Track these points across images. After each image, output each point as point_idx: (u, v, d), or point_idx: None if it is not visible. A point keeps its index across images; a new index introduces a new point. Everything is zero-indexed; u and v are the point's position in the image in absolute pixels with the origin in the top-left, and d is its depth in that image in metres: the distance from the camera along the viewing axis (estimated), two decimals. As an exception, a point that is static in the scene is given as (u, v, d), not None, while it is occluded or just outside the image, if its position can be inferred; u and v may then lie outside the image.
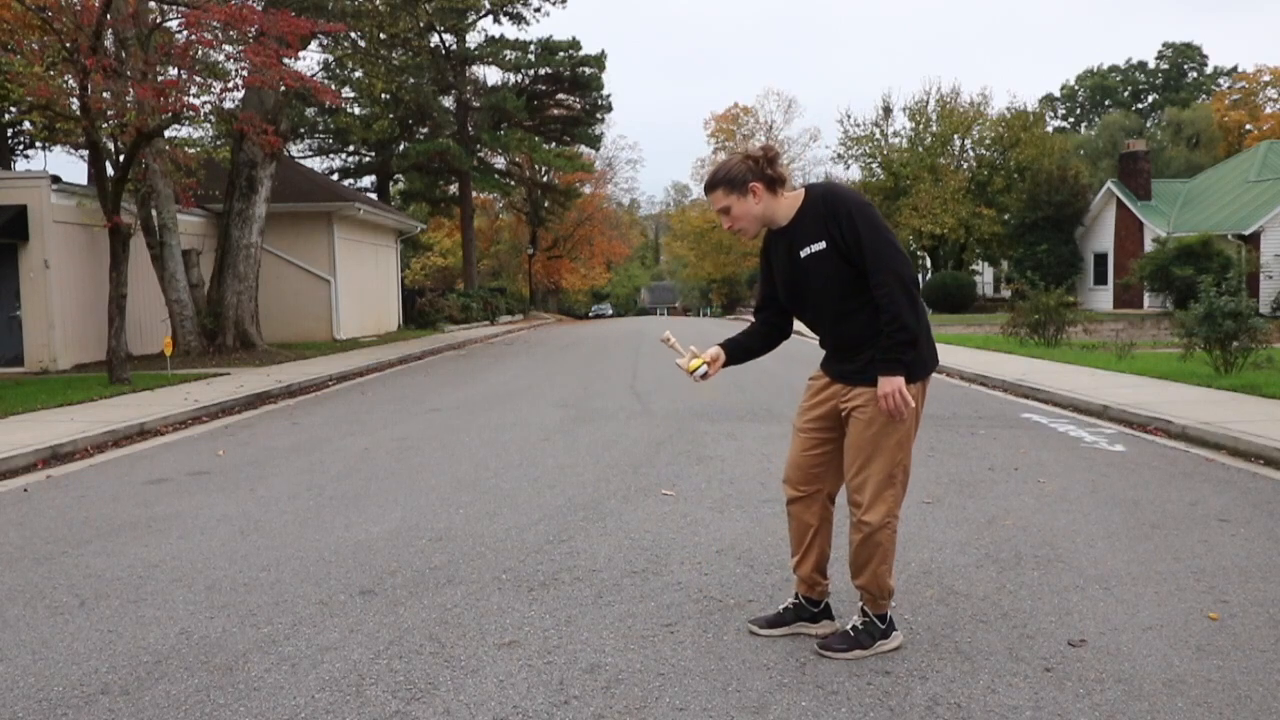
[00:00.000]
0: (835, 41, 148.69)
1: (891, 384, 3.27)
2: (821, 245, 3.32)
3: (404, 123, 37.08)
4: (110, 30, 14.31)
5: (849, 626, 3.54)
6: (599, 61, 40.71)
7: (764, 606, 3.95)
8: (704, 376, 3.62)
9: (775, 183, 3.40)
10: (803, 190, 3.45)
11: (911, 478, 6.58)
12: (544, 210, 51.93)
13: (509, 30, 40.63)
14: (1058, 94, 73.99)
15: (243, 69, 15.22)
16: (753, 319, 3.79)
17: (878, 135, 43.16)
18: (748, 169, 3.38)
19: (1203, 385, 10.62)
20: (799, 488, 3.59)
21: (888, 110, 43.36)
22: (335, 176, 40.06)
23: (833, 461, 3.55)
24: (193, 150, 17.29)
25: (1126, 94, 72.13)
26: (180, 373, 14.33)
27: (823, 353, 3.62)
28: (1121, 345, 16.23)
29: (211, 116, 17.46)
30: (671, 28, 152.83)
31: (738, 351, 3.70)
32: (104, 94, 13.27)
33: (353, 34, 21.24)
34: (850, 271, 3.30)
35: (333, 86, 27.44)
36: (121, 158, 13.77)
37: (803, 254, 3.37)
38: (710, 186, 3.46)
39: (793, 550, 3.67)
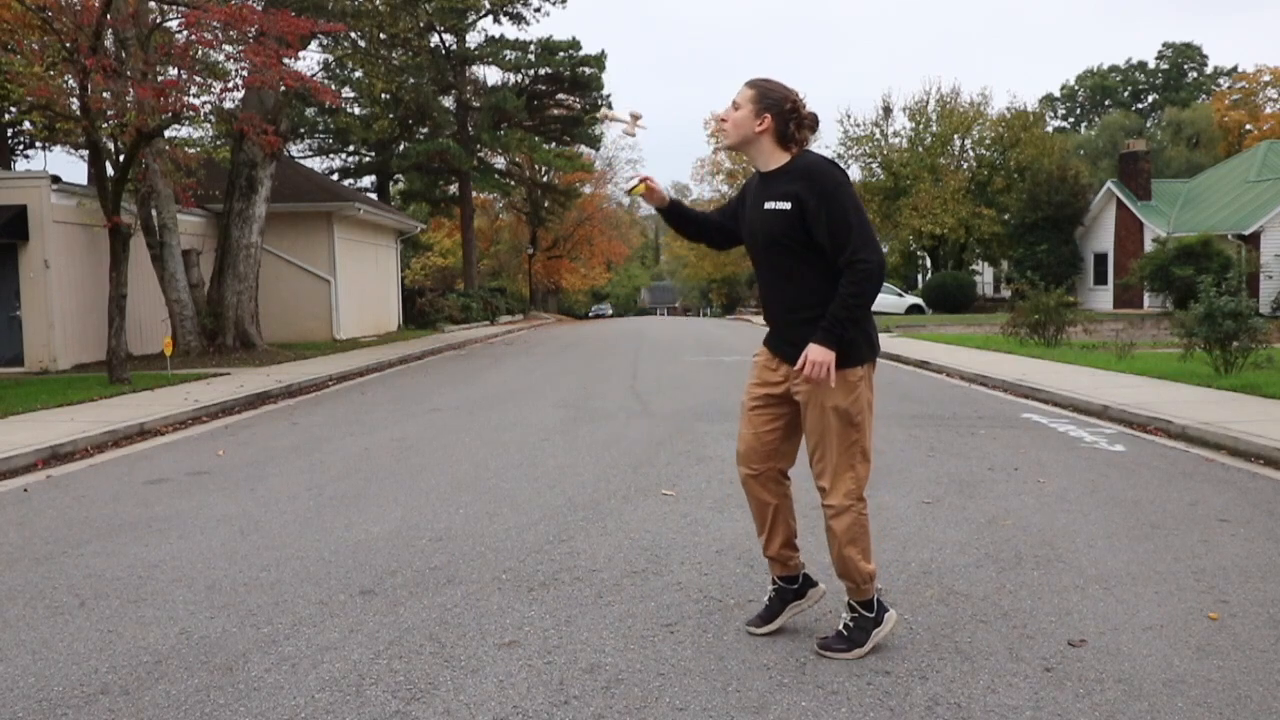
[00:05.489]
0: (835, 41, 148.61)
1: (824, 355, 3.26)
2: (786, 206, 3.34)
3: (404, 123, 37.03)
4: (110, 30, 14.31)
5: (841, 625, 3.54)
6: (599, 61, 40.67)
7: (763, 602, 3.95)
8: (633, 190, 3.66)
9: (787, 136, 3.39)
10: (791, 154, 3.44)
11: (912, 478, 6.58)
12: (544, 210, 51.91)
13: (509, 30, 40.66)
14: (1058, 94, 74.00)
15: (243, 69, 15.22)
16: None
17: (878, 135, 43.12)
18: (778, 100, 3.38)
19: (1203, 385, 10.62)
20: (752, 466, 3.61)
21: (888, 110, 43.33)
22: (335, 176, 40.02)
23: (784, 438, 3.58)
24: (193, 150, 17.31)
25: (1126, 94, 72.12)
26: (180, 373, 14.33)
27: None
28: (1121, 345, 16.22)
29: (211, 116, 17.48)
30: (671, 28, 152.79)
31: (679, 211, 3.75)
32: (104, 94, 13.27)
33: (353, 34, 21.23)
34: (804, 237, 3.33)
35: (333, 86, 27.43)
36: (121, 158, 13.77)
37: (766, 206, 3.41)
38: (749, 83, 3.45)
39: (758, 530, 3.69)
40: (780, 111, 3.37)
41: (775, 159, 3.43)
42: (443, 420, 9.80)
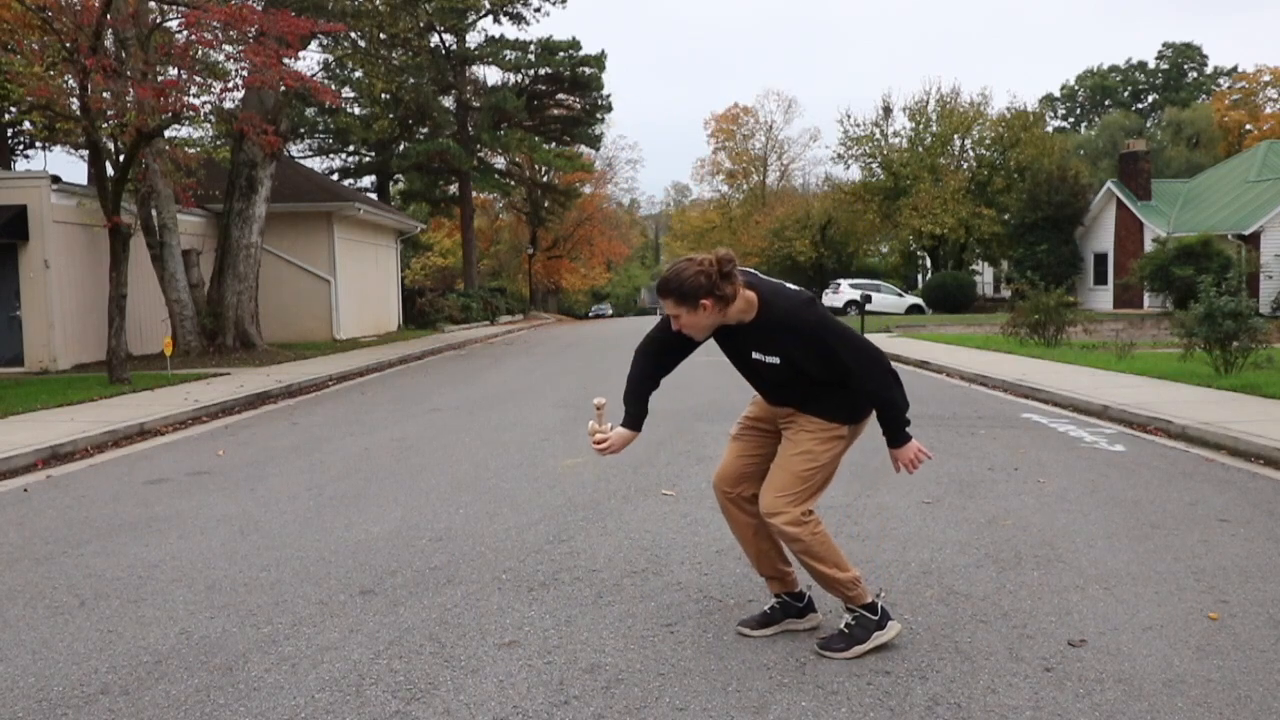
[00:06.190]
0: (835, 41, 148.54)
1: (908, 451, 3.48)
2: (775, 360, 3.39)
3: (404, 123, 37.02)
4: (110, 30, 14.31)
5: (842, 625, 3.54)
6: (599, 61, 40.67)
7: (764, 607, 3.95)
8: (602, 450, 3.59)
9: (727, 296, 3.29)
10: (755, 297, 3.34)
11: (912, 477, 6.57)
12: (544, 210, 51.90)
13: (509, 30, 40.62)
14: (1058, 94, 73.97)
15: (243, 69, 15.23)
16: (642, 360, 3.65)
17: (878, 135, 43.12)
18: (699, 284, 3.25)
19: (1203, 385, 10.62)
20: (726, 488, 3.67)
21: (888, 110, 43.34)
22: (335, 176, 40.02)
23: (760, 465, 3.64)
24: (193, 150, 17.30)
25: (1126, 94, 72.09)
26: (180, 373, 14.33)
27: None
28: (1121, 345, 16.22)
29: (211, 116, 17.49)
30: (671, 28, 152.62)
31: (642, 418, 3.64)
32: (104, 94, 13.27)
33: (353, 34, 21.24)
34: (800, 374, 3.41)
35: (333, 86, 27.44)
36: (121, 158, 13.77)
37: (753, 355, 3.44)
38: (662, 292, 3.35)
39: (744, 550, 3.76)
40: (706, 291, 3.27)
41: (744, 312, 3.36)
42: (443, 420, 9.80)
